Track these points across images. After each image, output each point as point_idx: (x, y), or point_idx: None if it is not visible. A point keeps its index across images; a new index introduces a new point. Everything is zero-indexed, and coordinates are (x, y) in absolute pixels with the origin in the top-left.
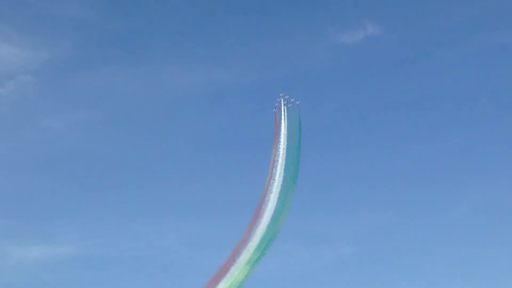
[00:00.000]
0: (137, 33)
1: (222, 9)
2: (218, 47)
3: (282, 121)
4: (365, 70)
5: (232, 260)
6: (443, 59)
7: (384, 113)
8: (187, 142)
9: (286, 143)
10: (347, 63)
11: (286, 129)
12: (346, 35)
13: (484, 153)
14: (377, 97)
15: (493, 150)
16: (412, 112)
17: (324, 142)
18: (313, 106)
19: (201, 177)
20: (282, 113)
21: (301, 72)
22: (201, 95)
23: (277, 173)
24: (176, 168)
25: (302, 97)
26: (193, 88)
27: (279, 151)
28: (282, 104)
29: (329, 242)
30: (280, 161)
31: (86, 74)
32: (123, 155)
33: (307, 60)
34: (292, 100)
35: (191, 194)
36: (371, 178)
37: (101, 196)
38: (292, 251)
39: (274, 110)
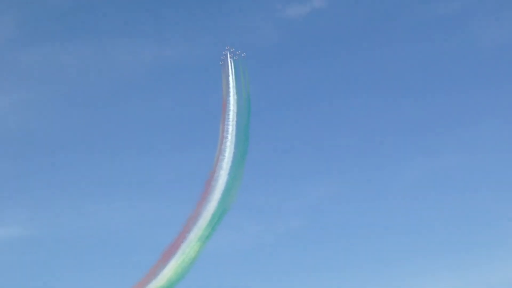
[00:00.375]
0: (81, 9)
1: None
2: (164, 23)
3: (230, 77)
4: (312, 44)
5: (182, 237)
6: (389, 32)
7: (332, 86)
8: (133, 119)
9: (235, 119)
10: (294, 37)
11: (234, 88)
12: (293, 8)
13: (429, 123)
14: (325, 70)
15: (437, 120)
16: (359, 85)
17: (273, 115)
18: (262, 80)
19: (149, 154)
20: (229, 66)
21: (248, 47)
22: (148, 71)
23: (227, 149)
24: (123, 146)
25: (250, 71)
26: (139, 64)
27: (227, 126)
28: (228, 57)
29: (281, 215)
30: (229, 137)
31: (29, 52)
32: (68, 133)
33: (254, 35)
34: (237, 52)
35: (140, 172)
36: (320, 151)
37: (47, 176)
38: (244, 225)
39: (220, 63)
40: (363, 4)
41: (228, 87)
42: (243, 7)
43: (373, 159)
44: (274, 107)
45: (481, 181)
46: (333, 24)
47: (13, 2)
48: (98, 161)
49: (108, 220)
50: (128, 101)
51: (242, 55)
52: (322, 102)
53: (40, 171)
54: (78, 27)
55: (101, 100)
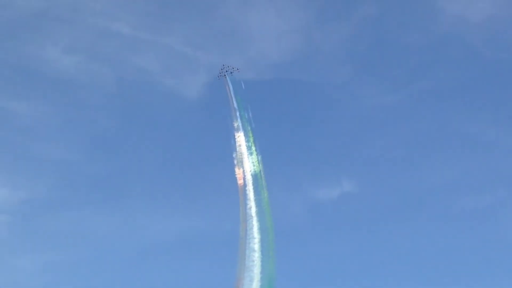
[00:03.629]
0: (115, 177)
1: (200, 161)
2: (195, 194)
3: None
4: (341, 226)
5: None
6: (417, 220)
7: (356, 269)
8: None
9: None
10: (324, 218)
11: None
12: (323, 190)
13: None
14: (352, 252)
15: None
16: (383, 269)
17: None
18: (291, 259)
19: None
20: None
21: (279, 226)
22: (176, 242)
23: None
24: None
25: (280, 250)
26: (167, 234)
27: None
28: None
29: None
30: None
31: (62, 215)
32: None
33: (285, 214)
34: (233, 68)
35: None
36: None
37: None
38: None
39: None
40: (393, 191)
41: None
42: (274, 187)
43: None
44: (301, 285)
45: None
46: (361, 208)
47: (49, 167)
48: None
49: None
50: (152, 270)
51: (237, 70)
52: (345, 284)
53: None
54: (110, 194)
55: (126, 267)
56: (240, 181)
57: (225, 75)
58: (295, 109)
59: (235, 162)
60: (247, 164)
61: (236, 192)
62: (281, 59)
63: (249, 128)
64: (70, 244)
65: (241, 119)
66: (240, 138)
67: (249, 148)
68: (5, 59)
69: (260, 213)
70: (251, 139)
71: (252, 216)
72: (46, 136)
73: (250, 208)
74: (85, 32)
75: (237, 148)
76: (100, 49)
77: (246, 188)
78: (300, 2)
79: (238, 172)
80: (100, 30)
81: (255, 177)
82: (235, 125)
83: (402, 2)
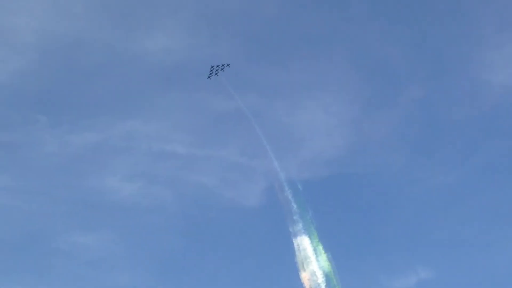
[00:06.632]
0: None
1: (267, 269)
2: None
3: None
4: None
5: None
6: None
7: None
8: None
9: None
10: None
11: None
12: (399, 280)
13: None
14: None
15: None
16: None
17: None
18: None
19: None
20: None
21: None
22: None
23: None
24: None
25: None
26: None
27: None
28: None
29: None
30: None
31: None
32: None
33: None
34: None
35: None
36: None
37: None
38: None
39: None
40: (471, 272)
41: None
42: (350, 284)
43: None
44: None
45: None
46: None
47: None
48: None
49: None
50: None
51: (228, 66)
52: None
53: None
54: None
55: None
56: (307, 285)
57: (216, 74)
58: (355, 203)
59: (298, 266)
60: (315, 265)
61: None
62: (334, 155)
63: (312, 228)
64: None
65: (302, 220)
66: (303, 240)
67: (315, 248)
68: (69, 195)
69: None
70: (316, 239)
71: None
72: (115, 265)
73: None
74: (142, 158)
75: (299, 252)
76: (158, 172)
77: None
78: (346, 96)
79: (304, 275)
80: (155, 154)
81: (326, 277)
82: (293, 229)
83: (447, 79)
